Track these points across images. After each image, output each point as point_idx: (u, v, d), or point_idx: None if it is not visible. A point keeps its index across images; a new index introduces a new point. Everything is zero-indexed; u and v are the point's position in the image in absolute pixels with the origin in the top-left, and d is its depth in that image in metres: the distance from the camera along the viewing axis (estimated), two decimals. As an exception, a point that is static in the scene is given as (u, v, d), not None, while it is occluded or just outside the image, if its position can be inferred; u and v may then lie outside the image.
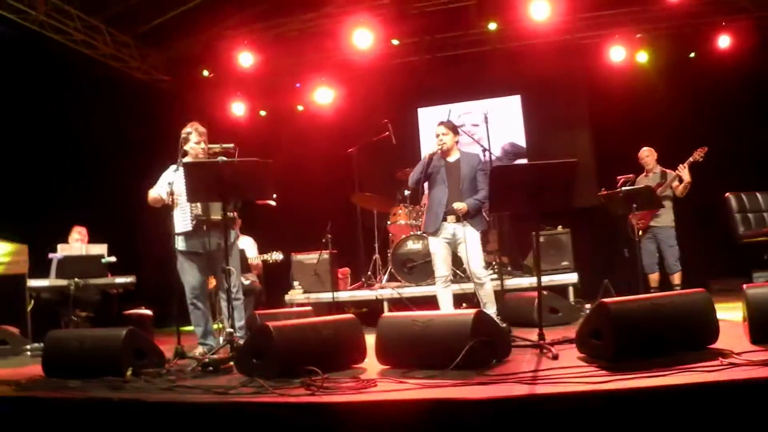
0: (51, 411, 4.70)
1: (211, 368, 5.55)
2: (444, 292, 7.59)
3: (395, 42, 12.55)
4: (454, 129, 7.62)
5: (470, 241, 7.41)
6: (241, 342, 6.07)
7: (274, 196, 6.64)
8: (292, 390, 4.40)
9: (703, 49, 12.04)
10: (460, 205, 7.36)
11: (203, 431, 4.18)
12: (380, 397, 4.13)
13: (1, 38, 10.19)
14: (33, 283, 8.97)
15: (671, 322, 4.70)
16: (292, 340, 5.14)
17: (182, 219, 6.67)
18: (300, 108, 14.13)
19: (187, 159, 6.69)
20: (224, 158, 6.46)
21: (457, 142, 7.65)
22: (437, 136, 7.56)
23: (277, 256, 9.52)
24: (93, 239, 9.69)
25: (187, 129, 6.78)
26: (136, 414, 4.39)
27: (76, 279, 8.69)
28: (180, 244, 6.80)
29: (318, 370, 4.66)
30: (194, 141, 6.77)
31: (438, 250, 7.51)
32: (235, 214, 6.81)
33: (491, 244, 10.66)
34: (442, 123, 7.65)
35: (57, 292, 8.89)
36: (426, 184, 7.80)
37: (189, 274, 6.81)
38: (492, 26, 12.08)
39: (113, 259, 9.07)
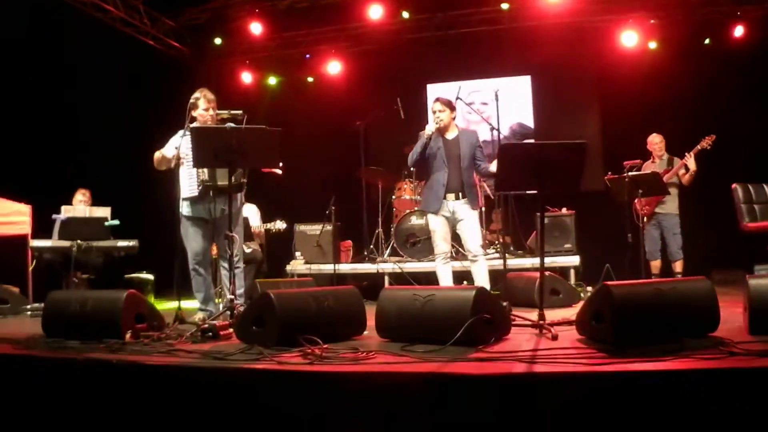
0: (50, 371, 4.71)
1: (210, 334, 5.55)
2: (444, 268, 7.58)
3: (405, 15, 12.45)
4: (450, 105, 7.53)
5: (468, 218, 7.41)
6: (241, 309, 6.07)
7: (281, 164, 6.61)
8: (290, 358, 4.40)
9: (716, 37, 11.99)
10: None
11: (201, 395, 4.19)
12: (378, 369, 4.13)
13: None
14: (36, 243, 9.00)
15: (673, 308, 4.69)
16: (292, 309, 5.14)
17: (188, 184, 6.67)
18: (310, 79, 14.08)
19: (195, 125, 6.67)
20: (232, 125, 6.46)
21: (453, 119, 7.62)
22: (434, 112, 7.52)
23: (280, 225, 9.54)
24: (97, 202, 9.70)
25: (196, 95, 6.76)
26: (135, 376, 4.40)
27: (79, 241, 8.71)
28: (185, 209, 6.81)
29: (318, 339, 4.67)
30: (203, 108, 6.77)
31: (438, 227, 7.49)
32: (244, 180, 6.79)
33: (495, 224, 10.67)
34: (438, 99, 7.56)
35: (59, 253, 8.92)
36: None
37: (193, 240, 6.82)
38: (505, 6, 12.00)
39: (117, 222, 9.09)
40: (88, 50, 11.29)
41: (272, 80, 14.11)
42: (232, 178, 6.30)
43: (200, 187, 6.58)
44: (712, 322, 4.79)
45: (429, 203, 7.54)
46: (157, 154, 6.82)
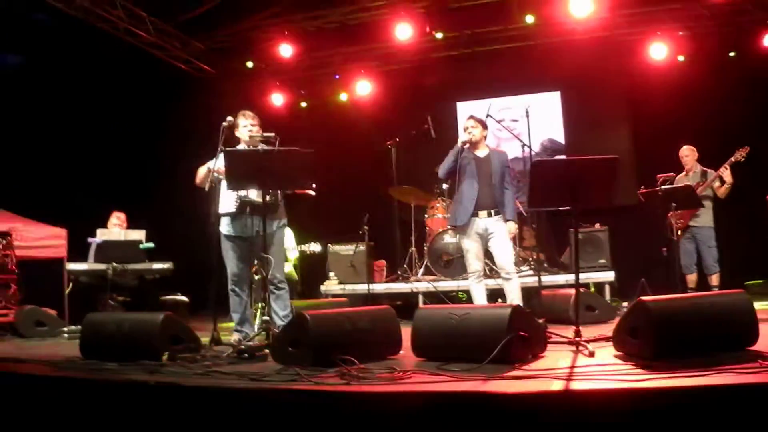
0: (88, 392, 4.74)
1: (246, 355, 5.58)
2: (477, 287, 7.58)
3: (439, 35, 12.49)
4: (483, 123, 7.63)
5: (500, 235, 7.44)
6: (276, 331, 6.09)
7: (314, 186, 6.64)
8: (327, 378, 4.40)
9: (746, 48, 11.91)
10: (512, 227, 7.57)
11: (238, 417, 4.20)
12: (415, 389, 4.12)
13: (43, 26, 10.29)
14: (72, 266, 9.08)
15: (710, 322, 4.66)
16: (327, 330, 5.16)
17: (227, 200, 6.71)
18: (343, 99, 14.14)
19: (240, 146, 6.85)
20: (265, 147, 6.51)
21: (485, 137, 7.65)
22: (465, 129, 7.59)
23: (315, 247, 9.55)
24: (132, 225, 9.77)
25: (230, 117, 6.79)
26: (172, 398, 4.42)
27: (114, 263, 8.78)
28: (224, 227, 6.88)
29: (353, 359, 4.67)
30: (242, 125, 6.85)
31: (470, 246, 7.50)
32: (280, 198, 6.81)
33: (527, 241, 10.64)
34: (471, 117, 7.69)
35: (95, 276, 8.99)
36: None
37: (231, 261, 6.87)
38: (529, 19, 11.97)
39: (151, 244, 9.16)
40: (121, 74, 11.43)
41: (303, 103, 14.19)
42: (266, 197, 6.35)
43: (237, 203, 6.61)
44: (750, 336, 4.75)
45: (457, 216, 7.57)
46: (201, 170, 6.87)
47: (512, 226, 7.58)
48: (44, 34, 10.07)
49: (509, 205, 7.54)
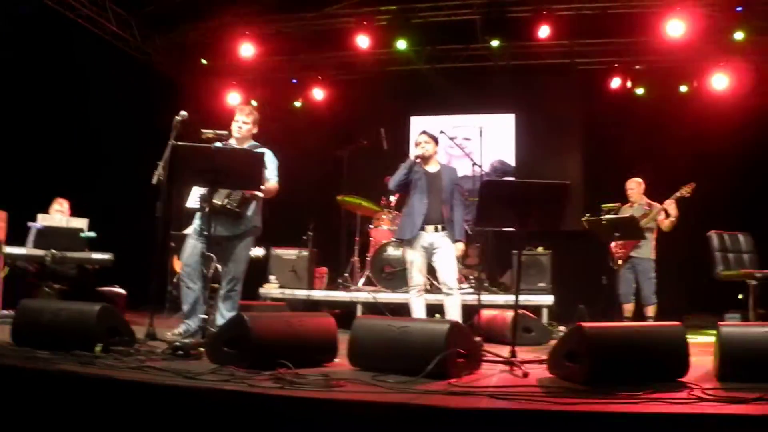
0: (18, 380, 4.66)
1: (181, 352, 5.52)
2: (417, 301, 7.60)
3: (402, 45, 12.48)
4: (435, 139, 7.69)
5: (445, 251, 7.48)
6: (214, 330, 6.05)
7: (262, 187, 6.61)
8: (261, 381, 4.37)
9: (700, 85, 12.13)
10: (460, 247, 7.62)
11: (169, 413, 4.16)
12: (350, 397, 4.12)
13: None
14: (9, 250, 8.90)
15: (645, 351, 4.75)
16: (266, 333, 5.13)
17: (195, 197, 6.67)
18: (298, 104, 14.11)
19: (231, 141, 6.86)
20: (218, 144, 6.49)
21: (436, 153, 7.71)
22: (417, 143, 7.64)
23: (258, 252, 9.50)
24: (74, 214, 9.64)
25: (183, 113, 6.72)
26: (104, 390, 4.35)
27: (54, 250, 8.65)
28: (195, 222, 6.87)
29: (289, 364, 4.66)
30: (235, 120, 6.91)
31: (414, 258, 7.53)
32: (241, 204, 6.73)
33: (471, 258, 10.70)
34: (424, 132, 7.73)
35: (33, 262, 8.84)
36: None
37: (185, 252, 6.78)
38: (495, 43, 12.08)
39: (93, 234, 9.05)
40: (77, 60, 11.28)
41: (254, 103, 14.11)
42: (225, 200, 6.38)
43: (200, 201, 6.56)
44: (682, 368, 4.83)
45: (404, 230, 7.60)
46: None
47: (460, 246, 7.63)
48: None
49: (458, 225, 7.59)
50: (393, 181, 7.65)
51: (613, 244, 9.14)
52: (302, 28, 12.69)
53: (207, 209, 6.43)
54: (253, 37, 12.56)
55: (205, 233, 6.57)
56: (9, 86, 10.10)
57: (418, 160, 7.52)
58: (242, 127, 6.89)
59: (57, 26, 11.13)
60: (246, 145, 6.86)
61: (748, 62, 11.76)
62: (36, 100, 10.62)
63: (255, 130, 7.02)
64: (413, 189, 7.53)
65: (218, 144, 6.60)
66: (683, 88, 12.34)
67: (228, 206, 6.52)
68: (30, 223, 8.87)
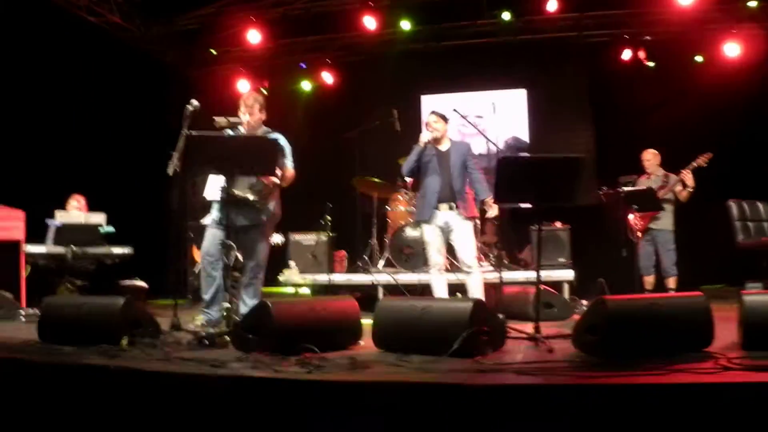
0: (45, 376, 4.70)
1: (206, 341, 5.55)
2: (438, 279, 7.61)
3: (406, 26, 12.44)
4: (444, 118, 7.66)
5: (462, 229, 7.48)
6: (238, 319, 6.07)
7: (279, 173, 6.60)
8: (287, 367, 4.41)
9: (712, 54, 12.02)
10: (491, 204, 7.48)
11: (198, 403, 4.19)
12: (375, 378, 4.14)
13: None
14: (30, 248, 8.96)
15: (668, 323, 4.74)
16: (289, 318, 5.17)
17: (213, 186, 6.66)
18: (306, 87, 14.08)
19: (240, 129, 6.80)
20: (230, 132, 6.49)
21: (446, 131, 7.70)
22: (428, 124, 7.63)
23: (277, 238, 9.51)
24: (91, 209, 9.68)
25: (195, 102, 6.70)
26: (132, 383, 4.39)
27: (74, 247, 8.70)
28: (213, 212, 6.82)
29: (314, 348, 4.68)
30: (241, 112, 6.78)
31: (432, 238, 7.54)
32: (262, 195, 6.71)
33: (488, 236, 10.68)
34: (434, 112, 7.71)
35: (54, 259, 8.89)
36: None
37: (207, 240, 6.76)
38: (506, 16, 11.94)
39: (111, 229, 9.08)
40: (83, 55, 11.29)
41: (264, 91, 14.09)
42: (248, 192, 6.44)
43: (221, 193, 6.55)
44: (706, 338, 4.83)
45: (422, 211, 7.61)
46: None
47: (490, 201, 7.48)
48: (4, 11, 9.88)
49: (480, 184, 7.58)
50: (405, 167, 7.66)
51: (631, 216, 9.11)
52: (308, 12, 12.64)
53: (226, 199, 6.43)
54: (259, 23, 12.51)
55: (224, 223, 6.58)
56: (20, 86, 10.13)
57: (430, 143, 7.51)
58: (248, 115, 6.82)
59: (62, 22, 11.11)
60: (258, 132, 6.84)
61: (761, 29, 11.65)
62: (45, 98, 10.62)
63: (263, 116, 6.95)
64: (426, 170, 7.53)
65: (230, 132, 6.59)
66: (699, 59, 12.21)
67: (250, 198, 6.51)
68: (48, 221, 8.91)
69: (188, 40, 13.54)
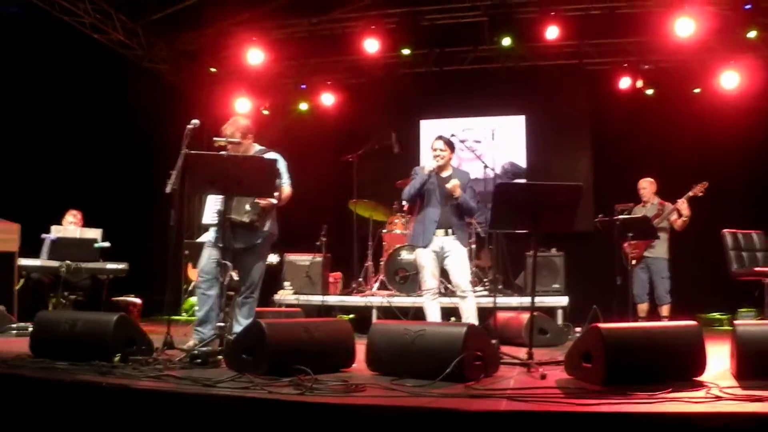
0: (37, 391, 4.69)
1: (199, 360, 5.54)
2: (431, 304, 7.58)
3: (406, 51, 12.51)
4: (451, 146, 7.64)
5: (457, 254, 7.45)
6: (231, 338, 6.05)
7: (276, 194, 6.60)
8: (280, 388, 4.40)
9: (709, 84, 12.08)
10: (454, 182, 7.38)
11: (189, 422, 4.18)
12: (369, 402, 4.13)
13: (11, 17, 10.15)
14: (24, 262, 8.95)
15: (661, 351, 4.75)
16: (283, 339, 5.16)
17: (211, 211, 6.65)
18: (305, 108, 14.10)
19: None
20: (228, 152, 6.50)
21: (450, 159, 7.69)
22: (434, 149, 7.59)
23: (273, 258, 9.50)
24: (87, 225, 9.67)
25: (195, 121, 6.69)
26: (123, 400, 4.38)
27: (68, 261, 8.69)
28: (211, 232, 6.81)
29: (308, 369, 4.68)
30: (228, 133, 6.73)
31: (426, 263, 7.50)
32: (256, 218, 6.69)
33: (484, 261, 10.69)
34: (440, 138, 7.67)
35: (47, 273, 8.89)
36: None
37: (203, 259, 6.74)
38: (506, 41, 11.94)
39: (107, 244, 9.08)
40: (84, 71, 11.31)
41: (265, 111, 14.12)
42: (245, 216, 6.42)
43: (217, 216, 6.53)
44: (699, 366, 4.83)
45: (418, 237, 7.56)
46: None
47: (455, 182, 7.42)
48: (8, 26, 9.90)
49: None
50: (407, 193, 7.61)
51: (626, 244, 9.13)
52: (310, 33, 12.69)
53: (223, 222, 6.42)
54: (261, 43, 12.55)
55: (221, 243, 6.55)
56: (18, 99, 10.14)
57: (434, 172, 7.49)
58: (233, 143, 6.75)
59: (65, 37, 11.15)
60: (251, 152, 6.83)
61: (759, 60, 11.71)
62: (45, 112, 10.64)
63: (250, 139, 6.91)
64: (427, 197, 7.49)
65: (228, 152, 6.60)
66: (697, 90, 12.26)
67: (246, 220, 6.50)
68: (44, 235, 8.91)
69: (190, 59, 13.58)
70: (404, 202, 10.28)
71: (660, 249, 9.60)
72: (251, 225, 6.59)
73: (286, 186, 6.88)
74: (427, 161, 7.57)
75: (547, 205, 5.76)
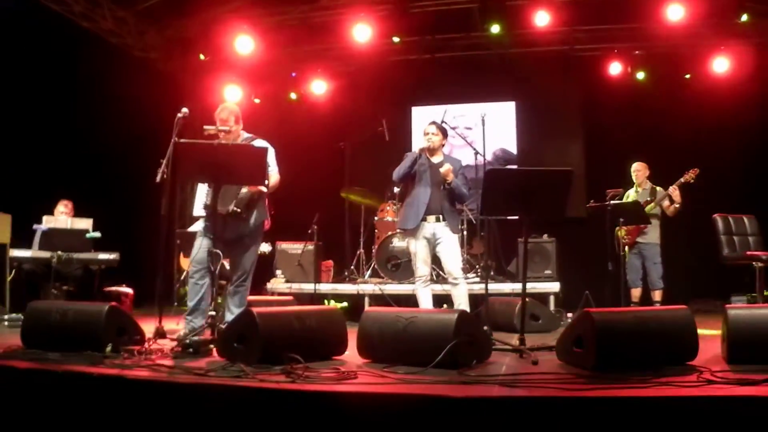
0: (29, 382, 4.68)
1: (191, 349, 5.53)
2: (423, 291, 7.59)
3: (396, 40, 12.49)
4: (443, 131, 7.66)
5: (448, 241, 7.45)
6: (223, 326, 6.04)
7: (266, 182, 6.58)
8: (272, 376, 4.39)
9: (700, 70, 12.08)
10: (447, 167, 7.38)
11: (181, 411, 4.18)
12: (360, 389, 4.14)
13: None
14: (15, 253, 8.92)
15: (653, 336, 4.76)
16: (275, 327, 5.14)
17: (200, 203, 6.63)
18: (293, 96, 14.06)
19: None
20: (219, 141, 6.47)
21: (442, 146, 7.69)
22: (426, 134, 7.60)
23: (264, 247, 9.49)
24: (78, 214, 9.65)
25: (185, 109, 6.67)
26: (115, 390, 4.37)
27: (60, 252, 8.68)
28: (202, 221, 6.77)
29: (300, 358, 4.67)
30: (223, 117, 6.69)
31: (418, 250, 7.50)
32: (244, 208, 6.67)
33: (476, 248, 10.69)
34: (433, 123, 7.70)
35: (39, 264, 8.87)
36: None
37: (195, 248, 6.71)
38: (495, 29, 11.91)
39: (98, 234, 9.06)
40: (74, 60, 11.25)
41: (256, 99, 14.06)
42: (232, 207, 6.38)
43: (205, 209, 6.51)
44: (691, 351, 4.84)
45: (407, 220, 7.56)
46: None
47: (447, 167, 7.43)
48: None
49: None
50: (397, 173, 7.60)
51: (618, 229, 9.15)
52: (301, 21, 12.63)
53: (212, 212, 6.41)
54: (251, 31, 12.49)
55: (212, 233, 6.53)
56: (8, 89, 10.09)
57: (424, 152, 7.50)
58: (224, 131, 6.73)
59: (54, 26, 11.09)
60: (239, 140, 6.79)
61: (749, 45, 11.71)
62: (34, 102, 10.59)
63: (240, 127, 6.88)
64: (417, 179, 7.49)
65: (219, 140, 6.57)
66: (688, 76, 12.26)
67: (235, 212, 6.48)
68: (35, 226, 8.89)
69: (180, 47, 13.52)
70: (395, 188, 10.24)
71: (652, 234, 9.62)
72: (239, 215, 6.56)
73: (273, 174, 6.85)
74: (419, 145, 7.58)
75: (538, 190, 5.76)
